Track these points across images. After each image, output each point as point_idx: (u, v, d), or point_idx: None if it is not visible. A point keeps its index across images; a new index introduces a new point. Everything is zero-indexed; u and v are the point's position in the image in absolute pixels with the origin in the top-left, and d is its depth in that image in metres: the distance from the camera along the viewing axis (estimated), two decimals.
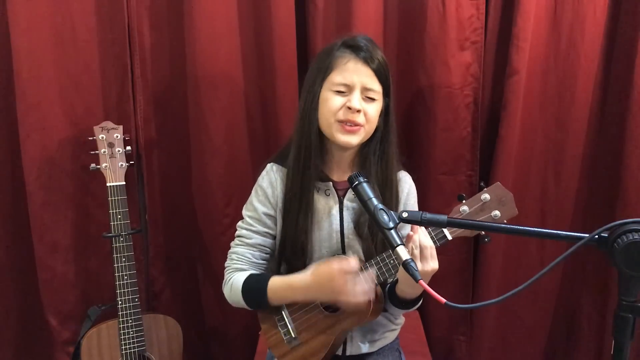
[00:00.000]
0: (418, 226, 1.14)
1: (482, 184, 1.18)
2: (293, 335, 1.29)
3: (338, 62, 1.23)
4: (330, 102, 1.23)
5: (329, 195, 1.31)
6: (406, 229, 1.29)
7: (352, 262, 1.15)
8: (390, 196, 1.30)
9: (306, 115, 1.27)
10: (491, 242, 1.22)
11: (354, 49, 1.23)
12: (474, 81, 1.71)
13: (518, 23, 1.64)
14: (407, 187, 1.36)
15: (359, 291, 1.15)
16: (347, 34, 1.29)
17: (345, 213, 1.30)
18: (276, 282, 1.25)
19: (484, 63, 1.72)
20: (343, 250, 1.31)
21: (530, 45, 1.67)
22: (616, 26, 1.70)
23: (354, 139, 1.24)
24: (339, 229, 1.30)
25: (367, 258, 1.28)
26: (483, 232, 1.18)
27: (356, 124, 1.22)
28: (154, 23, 1.69)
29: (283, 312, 1.29)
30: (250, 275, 1.29)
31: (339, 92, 1.23)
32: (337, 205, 1.31)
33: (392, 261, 1.21)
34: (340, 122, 1.23)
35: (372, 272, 1.21)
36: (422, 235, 1.14)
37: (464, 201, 1.15)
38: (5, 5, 1.58)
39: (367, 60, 1.22)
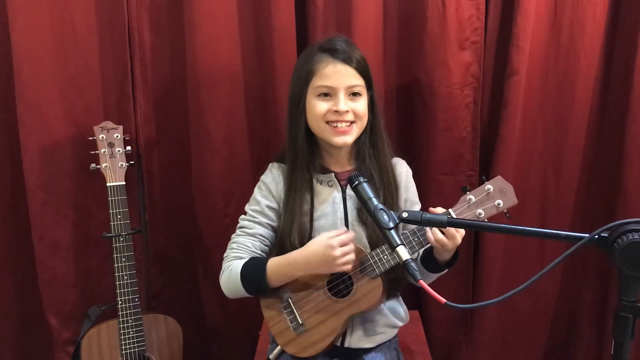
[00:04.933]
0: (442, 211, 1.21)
1: (483, 177, 1.23)
2: (300, 322, 1.29)
3: (317, 67, 1.27)
4: (317, 108, 1.27)
5: (331, 186, 1.34)
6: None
7: (348, 233, 1.21)
8: (388, 181, 1.34)
9: (292, 121, 1.32)
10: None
11: (331, 52, 1.27)
12: (474, 81, 1.71)
13: (518, 23, 1.64)
14: (404, 171, 1.41)
15: (347, 259, 1.20)
16: (324, 38, 1.33)
17: (348, 202, 1.33)
18: (275, 260, 1.27)
19: (484, 63, 1.72)
20: None
21: (530, 45, 1.67)
22: (616, 26, 1.70)
23: (349, 138, 1.29)
24: (342, 216, 1.33)
25: (371, 244, 1.29)
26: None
27: (347, 123, 1.27)
28: (154, 23, 1.69)
29: (289, 299, 1.30)
30: (249, 260, 1.30)
31: (324, 96, 1.27)
32: (340, 194, 1.34)
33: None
34: (330, 123, 1.27)
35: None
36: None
37: (468, 191, 1.20)
38: (6, 5, 1.58)
39: (346, 61, 1.26)
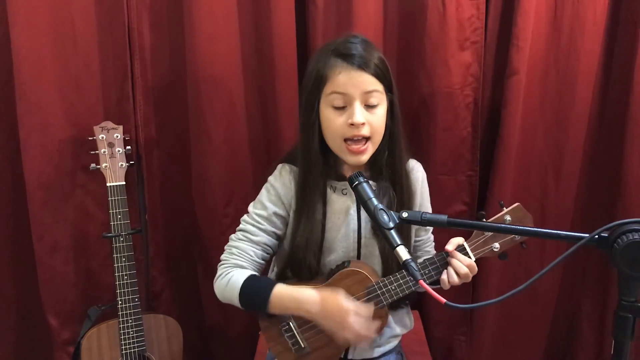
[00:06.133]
0: (457, 244, 1.19)
1: (501, 202, 1.20)
2: (302, 345, 1.26)
3: (330, 73, 1.17)
4: (333, 123, 1.18)
5: (346, 195, 1.28)
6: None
7: (367, 308, 1.16)
8: (401, 189, 1.28)
9: (306, 130, 1.23)
10: None
11: (346, 57, 1.16)
12: (474, 81, 1.71)
13: (518, 23, 1.64)
14: (420, 175, 1.36)
15: (361, 336, 1.15)
16: (341, 37, 1.23)
17: (362, 213, 1.28)
18: (282, 291, 1.20)
19: (484, 63, 1.72)
20: (359, 250, 1.29)
21: (530, 45, 1.67)
22: (616, 26, 1.70)
23: (364, 157, 1.21)
24: (356, 228, 1.28)
25: (383, 259, 1.27)
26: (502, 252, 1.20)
27: (363, 140, 1.19)
28: (154, 23, 1.69)
29: (290, 322, 1.25)
30: (253, 276, 1.24)
31: (339, 108, 1.18)
32: (355, 205, 1.28)
33: (410, 279, 1.21)
34: (347, 141, 1.19)
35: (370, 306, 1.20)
36: (456, 261, 1.18)
37: (484, 220, 1.15)
38: (5, 5, 1.58)
39: (362, 67, 1.16)
